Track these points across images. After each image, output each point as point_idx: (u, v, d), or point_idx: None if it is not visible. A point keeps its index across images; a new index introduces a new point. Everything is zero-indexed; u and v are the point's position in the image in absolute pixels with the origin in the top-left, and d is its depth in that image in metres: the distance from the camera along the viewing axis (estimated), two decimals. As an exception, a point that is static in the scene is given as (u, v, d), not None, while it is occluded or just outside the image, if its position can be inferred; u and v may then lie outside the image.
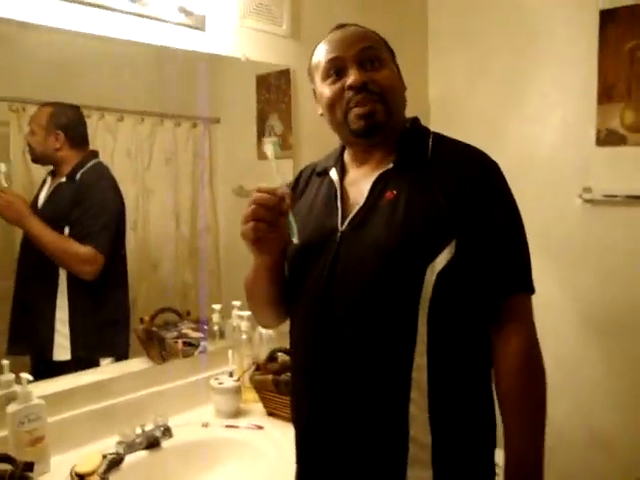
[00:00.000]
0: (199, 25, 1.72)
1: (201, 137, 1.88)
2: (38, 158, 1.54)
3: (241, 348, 1.74)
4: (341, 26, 1.11)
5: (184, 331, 1.76)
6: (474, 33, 2.40)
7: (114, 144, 1.68)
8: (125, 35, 1.54)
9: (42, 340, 1.52)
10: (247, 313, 1.73)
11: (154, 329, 1.69)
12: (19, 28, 1.38)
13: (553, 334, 2.00)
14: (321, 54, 1.09)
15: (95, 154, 1.63)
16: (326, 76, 1.08)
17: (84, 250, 1.53)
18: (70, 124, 1.57)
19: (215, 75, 1.84)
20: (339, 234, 1.03)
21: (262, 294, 1.14)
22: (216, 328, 1.81)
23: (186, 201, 1.86)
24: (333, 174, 1.13)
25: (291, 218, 0.96)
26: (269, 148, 1.00)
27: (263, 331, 1.77)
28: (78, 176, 1.58)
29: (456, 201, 0.98)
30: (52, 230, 1.50)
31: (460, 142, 1.08)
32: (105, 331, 1.62)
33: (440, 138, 1.10)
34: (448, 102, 2.48)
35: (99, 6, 1.48)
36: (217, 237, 1.94)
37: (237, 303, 1.81)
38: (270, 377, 1.58)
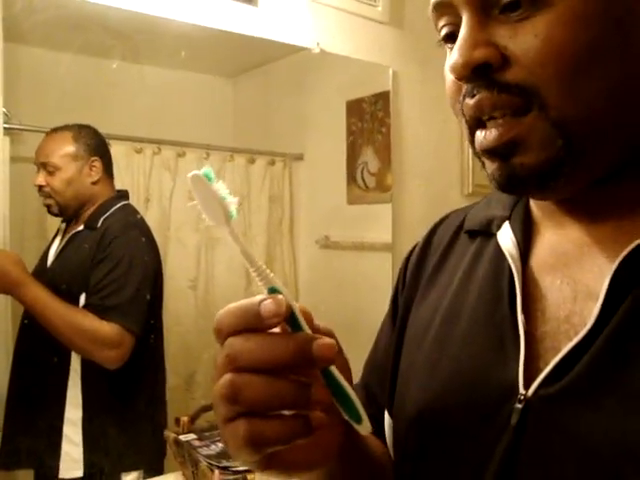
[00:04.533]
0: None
1: (280, 176, 1.66)
2: (65, 206, 1.18)
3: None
4: None
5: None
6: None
7: (173, 184, 1.46)
8: (157, 12, 1.20)
9: (44, 450, 1.13)
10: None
11: (187, 439, 1.18)
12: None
13: None
14: None
15: (124, 194, 1.27)
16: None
17: (107, 329, 1.13)
18: (101, 146, 1.21)
19: (297, 103, 1.66)
20: (519, 405, 0.41)
21: None
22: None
23: (260, 254, 1.64)
24: (505, 238, 0.49)
25: (338, 377, 0.40)
26: (198, 181, 0.37)
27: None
28: (100, 223, 1.18)
29: None
30: (60, 300, 1.10)
31: None
32: (131, 436, 1.21)
33: None
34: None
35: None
36: (297, 297, 1.63)
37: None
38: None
